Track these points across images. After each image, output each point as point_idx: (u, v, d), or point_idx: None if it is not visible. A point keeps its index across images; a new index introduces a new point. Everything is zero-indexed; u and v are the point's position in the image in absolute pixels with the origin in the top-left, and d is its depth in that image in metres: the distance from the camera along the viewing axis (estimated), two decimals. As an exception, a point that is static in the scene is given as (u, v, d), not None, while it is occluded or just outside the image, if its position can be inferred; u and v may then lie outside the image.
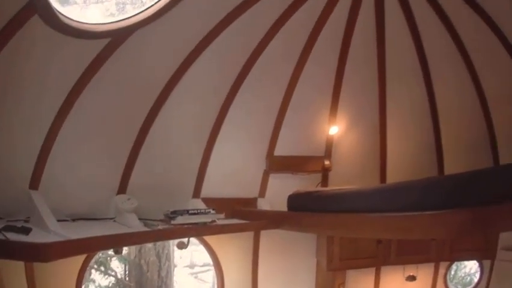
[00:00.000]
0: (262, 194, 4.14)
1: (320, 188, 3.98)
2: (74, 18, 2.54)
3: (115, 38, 2.85)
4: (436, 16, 3.65)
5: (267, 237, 3.69)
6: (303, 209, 3.40)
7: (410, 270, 4.56)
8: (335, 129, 4.23)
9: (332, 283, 4.33)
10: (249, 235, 3.67)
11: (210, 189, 3.84)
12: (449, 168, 4.30)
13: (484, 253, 4.27)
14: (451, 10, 3.60)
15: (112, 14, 6.46)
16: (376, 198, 2.94)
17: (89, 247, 2.24)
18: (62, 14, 2.41)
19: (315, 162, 4.25)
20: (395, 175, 4.17)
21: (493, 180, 2.31)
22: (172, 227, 2.95)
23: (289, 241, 4.00)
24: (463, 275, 7.76)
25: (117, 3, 6.61)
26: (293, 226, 3.45)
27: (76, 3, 6.05)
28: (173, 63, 3.36)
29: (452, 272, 6.32)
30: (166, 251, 7.16)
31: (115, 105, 3.18)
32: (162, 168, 3.60)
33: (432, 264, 4.64)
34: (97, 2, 6.47)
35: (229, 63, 3.66)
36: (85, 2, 6.31)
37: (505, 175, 2.27)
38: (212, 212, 3.25)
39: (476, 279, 4.90)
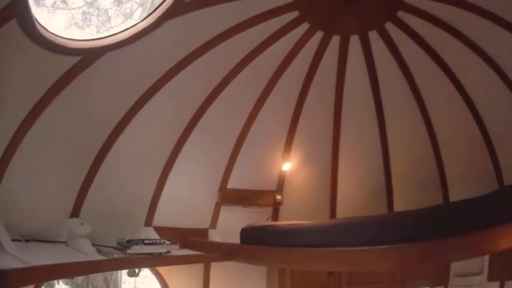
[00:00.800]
0: (213, 225, 4.12)
1: (273, 223, 4.07)
2: (50, 30, 2.45)
3: (86, 58, 2.79)
4: (395, 62, 3.87)
5: (218, 267, 3.65)
6: (257, 242, 3.46)
7: None
8: (288, 166, 4.35)
9: None
10: (200, 265, 3.61)
11: (162, 218, 3.77)
12: (399, 207, 4.38)
13: (437, 280, 4.27)
14: (408, 55, 3.82)
15: (77, 24, 6.33)
16: (330, 233, 3.07)
17: (51, 274, 2.09)
18: (40, 24, 2.32)
19: (266, 197, 4.32)
20: (344, 213, 4.26)
21: (445, 216, 2.58)
22: (128, 257, 2.86)
23: (240, 272, 3.94)
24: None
25: (84, 13, 6.52)
26: (247, 259, 3.48)
27: (44, 5, 5.88)
28: (135, 93, 3.36)
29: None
30: (114, 277, 6.93)
31: (76, 126, 3.09)
32: (116, 194, 3.48)
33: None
34: (64, 9, 6.28)
35: (190, 97, 3.71)
36: (53, 6, 6.12)
37: (456, 211, 2.55)
38: (167, 242, 3.21)
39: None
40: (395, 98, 4.17)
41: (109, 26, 6.89)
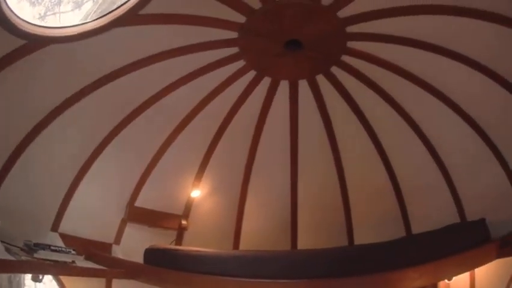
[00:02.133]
0: (117, 241, 4.09)
1: (177, 247, 4.21)
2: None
3: (30, 44, 2.79)
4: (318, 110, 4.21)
5: (121, 283, 3.67)
6: (160, 264, 3.57)
7: None
8: (197, 193, 4.51)
9: None
10: (102, 279, 3.60)
11: (68, 225, 3.68)
12: (301, 244, 4.60)
13: None
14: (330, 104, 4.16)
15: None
16: (235, 263, 3.30)
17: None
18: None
19: (173, 220, 4.44)
20: (247, 245, 4.46)
21: (351, 256, 3.01)
22: (35, 261, 2.82)
23: None
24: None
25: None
26: (150, 280, 3.56)
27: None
28: (62, 95, 3.36)
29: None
30: (17, 279, 6.48)
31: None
32: (27, 194, 3.38)
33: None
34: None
35: (114, 109, 3.76)
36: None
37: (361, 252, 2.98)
38: (73, 252, 3.23)
39: None
40: (310, 140, 4.48)
41: (57, 10, 6.53)
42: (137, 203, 4.25)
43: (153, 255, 3.68)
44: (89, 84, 3.41)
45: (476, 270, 4.04)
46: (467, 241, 3.30)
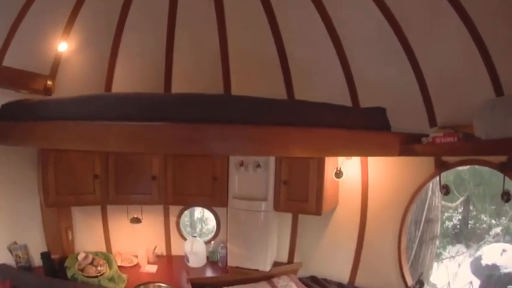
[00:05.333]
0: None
1: (33, 98, 3.55)
2: None
3: None
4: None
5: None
6: (16, 118, 3.09)
7: (135, 212, 4.47)
8: (64, 46, 3.97)
9: (57, 226, 4.09)
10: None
11: None
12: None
13: (216, 201, 4.26)
14: None
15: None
16: (77, 104, 2.82)
17: None
18: None
19: (39, 81, 3.95)
20: None
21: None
22: None
23: (11, 181, 3.86)
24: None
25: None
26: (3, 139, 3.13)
27: None
28: None
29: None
30: None
31: None
32: None
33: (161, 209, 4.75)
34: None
35: None
36: None
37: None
38: None
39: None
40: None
41: None
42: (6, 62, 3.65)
43: (8, 110, 3.23)
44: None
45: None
46: (362, 122, 2.99)
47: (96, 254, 4.31)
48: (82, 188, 3.93)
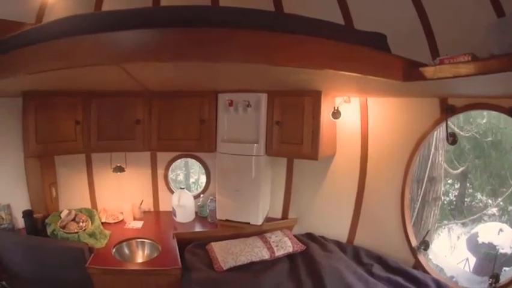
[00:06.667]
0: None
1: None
2: None
3: None
4: None
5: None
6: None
7: (118, 161, 4.30)
8: None
9: (41, 183, 3.91)
10: None
11: None
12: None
13: (203, 146, 3.93)
14: None
15: None
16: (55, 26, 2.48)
17: None
18: None
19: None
20: None
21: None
22: None
23: None
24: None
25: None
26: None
27: None
28: None
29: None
30: None
31: None
32: None
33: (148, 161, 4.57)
34: None
35: None
36: None
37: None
38: None
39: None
40: None
41: None
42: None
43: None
44: None
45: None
46: (361, 40, 2.71)
47: (80, 210, 4.11)
48: (62, 136, 3.72)
